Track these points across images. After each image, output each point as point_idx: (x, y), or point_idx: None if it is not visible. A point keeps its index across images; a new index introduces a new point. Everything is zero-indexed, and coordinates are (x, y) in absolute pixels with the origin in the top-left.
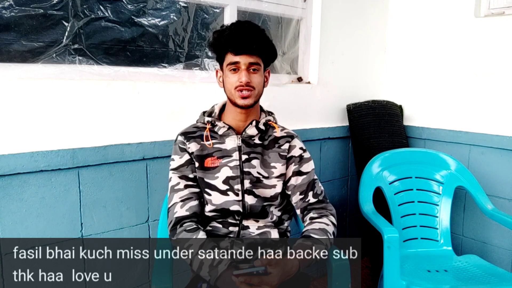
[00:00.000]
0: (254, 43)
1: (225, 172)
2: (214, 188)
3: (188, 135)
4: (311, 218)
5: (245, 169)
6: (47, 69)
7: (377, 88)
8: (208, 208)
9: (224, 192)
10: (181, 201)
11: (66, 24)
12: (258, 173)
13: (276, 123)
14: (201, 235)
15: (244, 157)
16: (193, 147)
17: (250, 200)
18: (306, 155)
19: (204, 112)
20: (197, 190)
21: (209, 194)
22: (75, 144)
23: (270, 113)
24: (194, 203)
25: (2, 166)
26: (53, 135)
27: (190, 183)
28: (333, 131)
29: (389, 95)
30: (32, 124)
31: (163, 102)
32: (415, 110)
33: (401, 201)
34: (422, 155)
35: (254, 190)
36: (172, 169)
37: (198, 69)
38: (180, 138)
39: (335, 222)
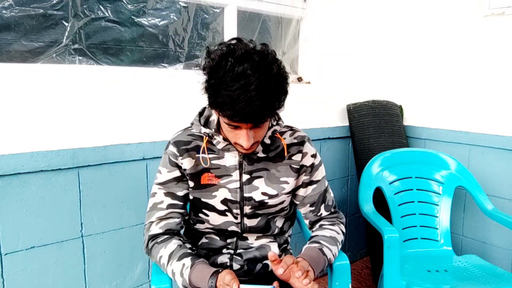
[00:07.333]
0: (262, 117)
1: (224, 193)
2: (212, 208)
3: (182, 147)
4: (321, 225)
5: (246, 194)
6: (47, 69)
7: (377, 88)
8: (204, 226)
9: (222, 213)
10: (159, 220)
11: (66, 24)
12: (263, 193)
13: (283, 126)
14: (172, 244)
15: (245, 177)
16: (186, 163)
17: (250, 223)
18: (317, 160)
19: (200, 116)
20: (181, 210)
21: (207, 215)
22: (75, 144)
23: (276, 117)
24: (172, 221)
25: (2, 166)
26: (53, 135)
27: (176, 202)
28: (333, 131)
29: (389, 95)
30: (32, 124)
31: (163, 102)
32: (415, 110)
33: (401, 201)
34: (422, 155)
35: (256, 212)
36: (158, 184)
37: (198, 69)
38: (173, 149)
39: (344, 230)
